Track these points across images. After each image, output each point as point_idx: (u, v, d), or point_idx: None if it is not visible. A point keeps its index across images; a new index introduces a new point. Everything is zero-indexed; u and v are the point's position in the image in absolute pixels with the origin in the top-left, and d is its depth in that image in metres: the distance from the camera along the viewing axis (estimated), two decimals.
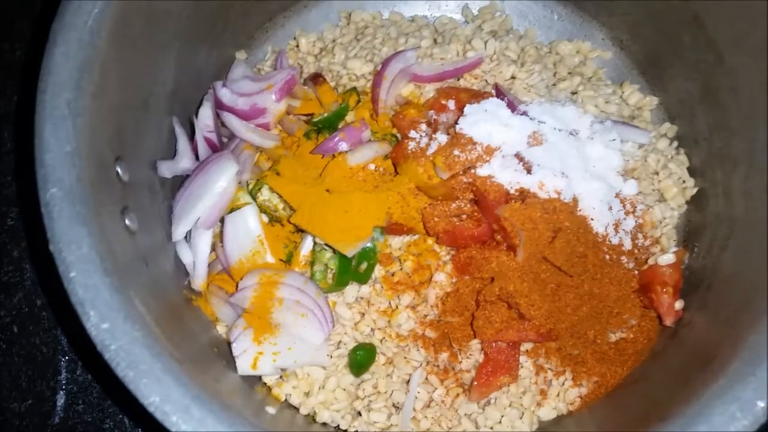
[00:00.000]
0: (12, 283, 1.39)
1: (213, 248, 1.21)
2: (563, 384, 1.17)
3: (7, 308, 1.37)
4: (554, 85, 1.35)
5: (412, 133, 1.19)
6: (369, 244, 1.16)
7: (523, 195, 1.12)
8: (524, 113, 1.19)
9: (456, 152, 1.12)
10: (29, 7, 1.57)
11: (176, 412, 0.82)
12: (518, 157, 1.15)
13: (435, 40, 1.38)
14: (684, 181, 1.29)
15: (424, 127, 1.20)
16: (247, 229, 1.17)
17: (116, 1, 0.98)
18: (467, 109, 1.15)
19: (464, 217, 1.16)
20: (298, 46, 1.41)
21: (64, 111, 0.90)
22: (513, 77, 1.33)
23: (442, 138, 1.16)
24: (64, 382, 1.33)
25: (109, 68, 0.97)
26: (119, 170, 1.01)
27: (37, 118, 0.90)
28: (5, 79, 1.52)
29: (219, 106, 1.26)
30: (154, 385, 0.83)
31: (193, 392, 0.84)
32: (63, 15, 0.95)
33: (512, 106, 1.19)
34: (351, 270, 1.16)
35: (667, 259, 1.16)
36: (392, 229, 1.17)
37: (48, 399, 1.32)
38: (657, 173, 1.29)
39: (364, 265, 1.17)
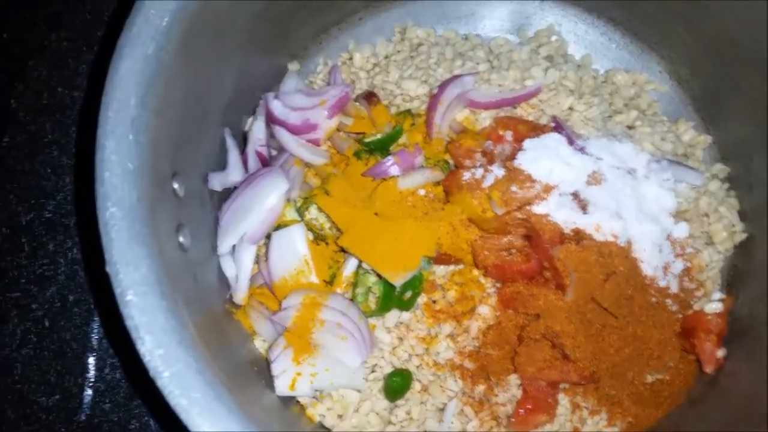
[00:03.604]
0: (46, 277, 1.38)
1: (255, 261, 1.19)
2: (598, 423, 1.16)
3: (40, 302, 1.37)
4: (610, 117, 1.32)
5: (468, 163, 1.17)
6: (416, 273, 1.15)
7: (579, 236, 1.10)
8: (582, 149, 1.17)
9: (513, 188, 1.10)
10: None
11: None
12: (574, 195, 1.13)
13: (490, 62, 1.35)
14: (734, 225, 1.27)
15: (479, 156, 1.18)
16: (294, 248, 1.15)
17: (185, 12, 0.96)
18: (527, 143, 1.13)
19: (513, 251, 1.14)
20: (351, 59, 1.39)
21: (128, 128, 0.89)
22: (570, 108, 1.30)
23: (498, 171, 1.13)
24: (92, 379, 1.33)
25: (173, 83, 0.96)
26: (176, 186, 1.00)
27: (99, 134, 0.88)
28: (50, 69, 1.50)
29: (270, 119, 1.24)
30: (206, 414, 0.82)
31: (244, 423, 0.83)
32: (130, 28, 0.93)
33: (571, 141, 1.17)
34: (395, 297, 1.15)
35: (715, 307, 1.15)
36: (440, 258, 1.16)
37: (75, 395, 1.32)
38: (707, 215, 1.27)
39: (408, 293, 1.16)
